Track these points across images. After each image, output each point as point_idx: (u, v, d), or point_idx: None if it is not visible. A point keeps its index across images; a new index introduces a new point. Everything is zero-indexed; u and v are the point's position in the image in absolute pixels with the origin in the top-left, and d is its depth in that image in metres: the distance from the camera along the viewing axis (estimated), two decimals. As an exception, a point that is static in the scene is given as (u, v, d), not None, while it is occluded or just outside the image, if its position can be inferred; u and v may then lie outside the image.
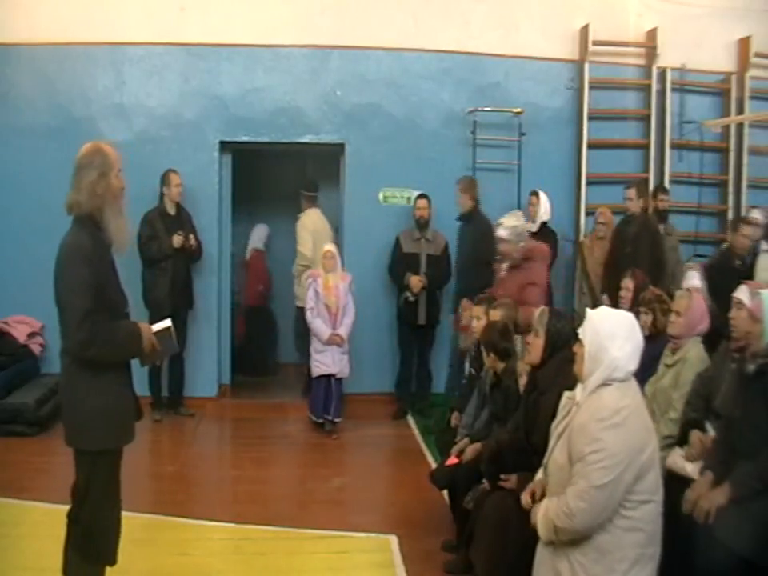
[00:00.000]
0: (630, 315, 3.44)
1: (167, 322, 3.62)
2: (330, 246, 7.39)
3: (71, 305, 3.27)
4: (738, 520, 3.24)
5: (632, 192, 7.53)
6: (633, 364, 3.24)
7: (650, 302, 5.06)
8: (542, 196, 7.97)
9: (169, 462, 6.71)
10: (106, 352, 3.32)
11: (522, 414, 4.14)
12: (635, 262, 7.24)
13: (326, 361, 7.24)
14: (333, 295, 7.23)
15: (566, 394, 3.43)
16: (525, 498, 3.49)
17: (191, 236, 7.62)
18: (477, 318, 5.60)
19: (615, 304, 6.13)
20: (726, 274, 6.20)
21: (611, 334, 3.24)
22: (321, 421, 7.31)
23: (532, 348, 4.03)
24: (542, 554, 3.30)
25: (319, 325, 7.23)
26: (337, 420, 7.30)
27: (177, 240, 7.48)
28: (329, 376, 7.26)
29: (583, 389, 3.27)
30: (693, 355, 4.49)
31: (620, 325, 3.29)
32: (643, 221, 7.55)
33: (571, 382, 3.60)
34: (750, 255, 6.85)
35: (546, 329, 3.95)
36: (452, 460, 4.82)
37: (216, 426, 7.99)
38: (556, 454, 3.30)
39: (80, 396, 3.38)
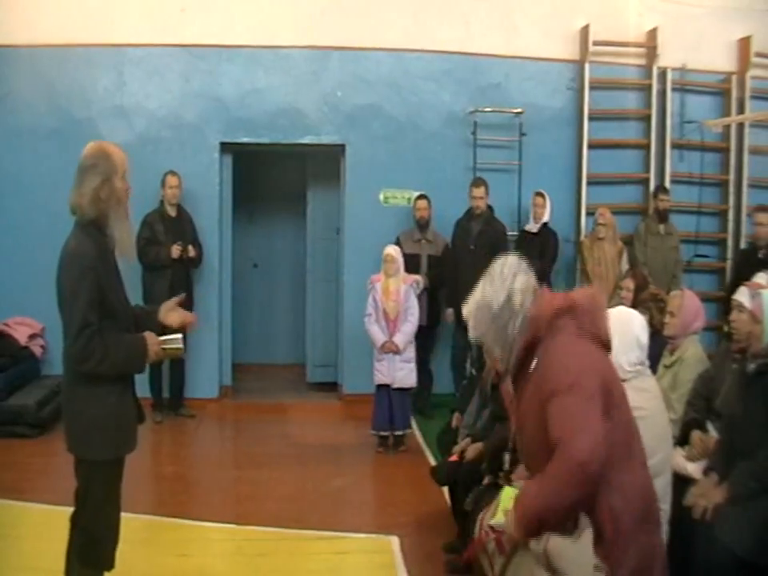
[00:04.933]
0: (624, 310, 3.45)
1: (178, 337, 3.51)
2: (391, 250, 7.02)
3: (69, 317, 3.22)
4: (737, 520, 3.24)
5: (482, 190, 7.67)
6: (624, 358, 3.24)
7: (646, 301, 5.06)
8: (546, 197, 8.00)
9: (169, 462, 6.72)
10: (103, 368, 3.24)
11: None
12: (477, 259, 7.22)
13: (382, 370, 6.84)
14: (392, 300, 6.85)
15: None
16: None
17: (190, 247, 7.62)
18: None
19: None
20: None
21: (615, 331, 3.25)
22: (385, 434, 6.92)
23: None
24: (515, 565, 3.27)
25: (375, 332, 6.86)
26: (398, 432, 6.87)
27: (175, 251, 7.48)
28: (389, 386, 6.87)
29: None
30: (690, 355, 4.50)
31: (612, 319, 3.31)
32: (488, 218, 7.73)
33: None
34: None
35: None
36: (453, 458, 4.83)
37: (217, 426, 8.00)
38: None
39: (80, 405, 3.33)
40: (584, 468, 2.47)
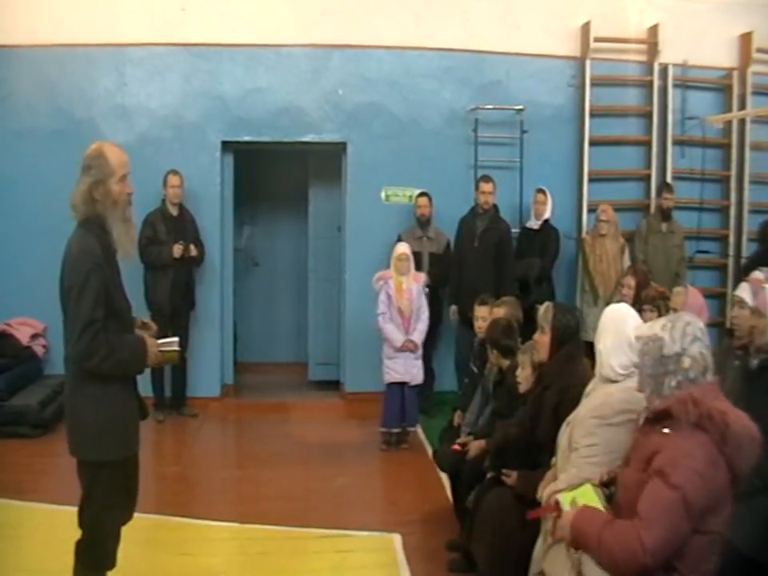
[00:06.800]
0: (620, 308, 3.43)
1: (175, 340, 3.56)
2: (404, 248, 7.03)
3: (74, 313, 3.21)
4: (739, 516, 3.23)
5: (490, 186, 7.69)
6: (616, 361, 3.22)
7: (654, 300, 5.06)
8: (548, 193, 7.99)
9: (172, 462, 6.73)
10: (107, 366, 3.24)
11: (529, 409, 4.13)
12: (481, 257, 7.50)
13: (397, 368, 6.88)
14: (405, 299, 6.88)
15: (593, 381, 3.45)
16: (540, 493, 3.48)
17: (191, 246, 7.62)
18: (482, 318, 5.63)
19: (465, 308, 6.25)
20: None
21: (601, 327, 3.25)
22: (397, 431, 6.93)
23: (539, 345, 4.02)
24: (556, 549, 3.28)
25: (391, 330, 6.88)
26: (411, 428, 7.03)
27: (177, 251, 7.48)
28: (401, 384, 6.92)
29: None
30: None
31: (608, 318, 3.30)
32: (493, 216, 7.73)
33: (576, 378, 3.60)
34: None
35: (551, 325, 3.93)
36: (455, 447, 4.82)
37: (219, 426, 7.99)
38: (562, 438, 3.34)
39: (83, 406, 3.33)
40: (639, 559, 2.53)
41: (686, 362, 2.71)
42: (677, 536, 2.53)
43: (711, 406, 2.62)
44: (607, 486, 2.99)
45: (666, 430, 2.69)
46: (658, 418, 2.74)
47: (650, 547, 2.50)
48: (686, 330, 2.75)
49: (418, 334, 6.96)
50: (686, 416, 2.63)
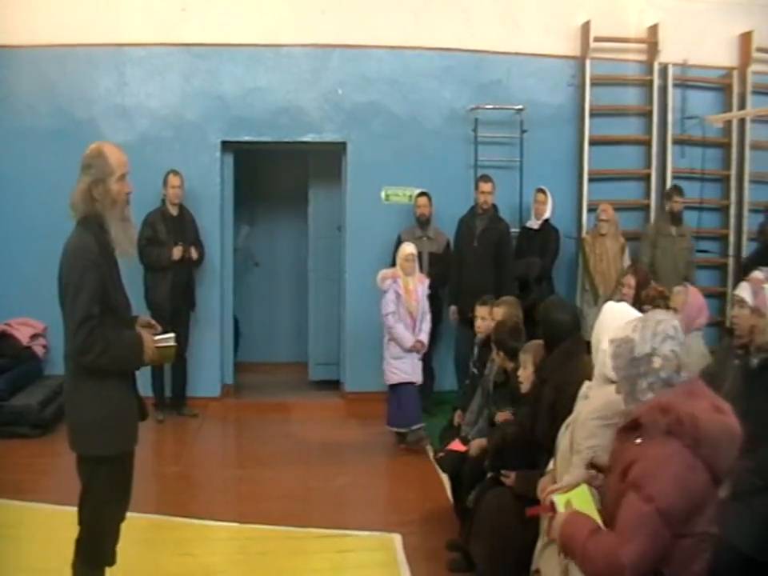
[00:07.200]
0: (622, 308, 3.42)
1: (171, 336, 3.57)
2: (410, 248, 7.04)
3: (71, 309, 3.24)
4: (738, 516, 3.23)
5: (489, 186, 7.70)
6: None
7: (655, 299, 5.06)
8: (548, 193, 7.99)
9: (172, 462, 6.73)
10: (104, 361, 3.26)
11: (528, 408, 4.13)
12: (480, 257, 7.52)
13: (405, 368, 6.88)
14: (413, 299, 6.92)
15: (586, 383, 3.43)
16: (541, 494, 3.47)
17: (192, 248, 7.62)
18: (482, 318, 5.62)
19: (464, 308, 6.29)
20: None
21: (602, 326, 3.23)
22: (417, 427, 6.90)
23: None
24: (551, 548, 3.29)
25: (402, 330, 6.87)
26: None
27: (177, 253, 7.48)
28: (408, 384, 6.92)
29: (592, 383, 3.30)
30: (693, 351, 4.49)
31: (609, 317, 3.28)
32: (492, 216, 7.74)
33: (573, 375, 3.59)
34: None
35: (540, 319, 3.94)
36: (457, 446, 4.82)
37: (219, 426, 7.99)
38: (562, 441, 3.33)
39: (83, 402, 3.35)
40: (618, 573, 2.48)
41: (657, 362, 2.66)
42: (656, 546, 2.49)
43: (681, 411, 2.56)
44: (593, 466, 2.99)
45: (638, 441, 2.64)
46: (631, 427, 2.71)
47: (628, 562, 2.46)
48: (656, 329, 2.70)
49: (425, 334, 7.00)
50: (655, 425, 2.58)
